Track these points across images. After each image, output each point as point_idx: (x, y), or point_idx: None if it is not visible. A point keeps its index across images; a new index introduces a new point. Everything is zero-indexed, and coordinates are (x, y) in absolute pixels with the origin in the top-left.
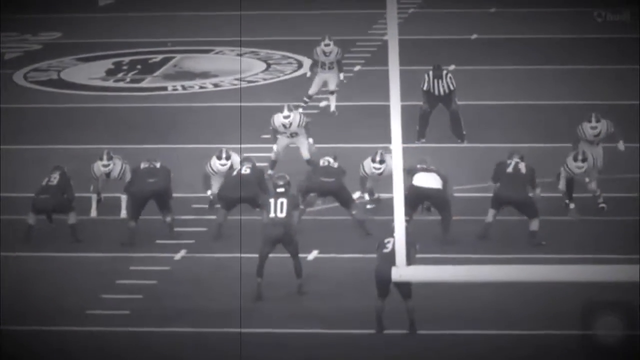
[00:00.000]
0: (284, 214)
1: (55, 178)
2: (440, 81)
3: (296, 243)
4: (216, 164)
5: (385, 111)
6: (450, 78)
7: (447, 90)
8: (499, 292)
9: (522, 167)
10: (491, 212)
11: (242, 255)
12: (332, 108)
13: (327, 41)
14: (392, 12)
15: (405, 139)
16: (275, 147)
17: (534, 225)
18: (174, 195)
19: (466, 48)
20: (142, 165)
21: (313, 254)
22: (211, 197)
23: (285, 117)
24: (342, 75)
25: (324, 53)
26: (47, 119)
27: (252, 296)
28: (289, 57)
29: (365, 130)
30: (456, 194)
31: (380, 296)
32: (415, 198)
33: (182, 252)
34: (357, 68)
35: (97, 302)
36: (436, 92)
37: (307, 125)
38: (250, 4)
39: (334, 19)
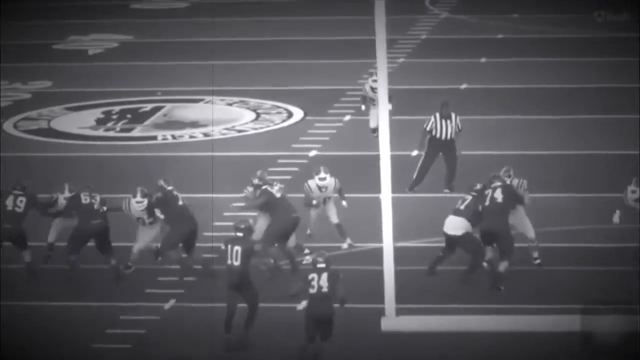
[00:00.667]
0: (238, 262)
1: (21, 203)
2: (448, 122)
3: (254, 292)
4: (132, 203)
5: (374, 161)
6: (457, 119)
7: (453, 134)
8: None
9: (499, 194)
10: (487, 249)
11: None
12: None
13: (375, 77)
14: (382, 61)
15: (395, 189)
16: (311, 219)
17: (503, 266)
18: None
19: (456, 97)
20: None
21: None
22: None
23: (322, 180)
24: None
25: (372, 90)
26: (36, 168)
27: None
28: (279, 107)
29: (355, 180)
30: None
31: (309, 340)
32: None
33: (172, 302)
34: (347, 118)
35: (87, 352)
36: (443, 136)
37: (341, 190)
38: (236, 54)
39: (324, 68)
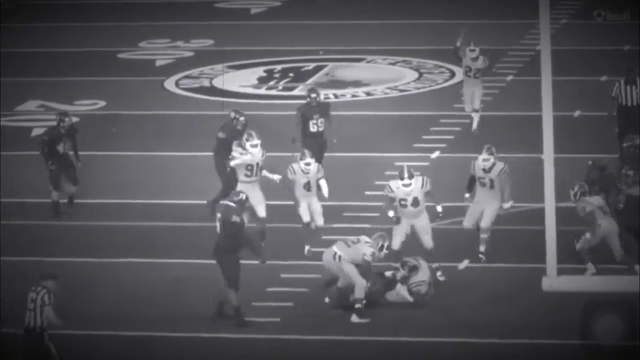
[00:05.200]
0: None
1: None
2: (634, 88)
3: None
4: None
5: (537, 121)
6: None
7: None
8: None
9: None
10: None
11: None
12: (474, 126)
13: (472, 46)
14: (545, 22)
15: (557, 149)
16: (396, 234)
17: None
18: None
19: (619, 59)
20: None
21: (464, 263)
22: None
23: (406, 186)
24: None
25: (471, 59)
26: (196, 126)
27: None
28: (441, 67)
29: (517, 141)
30: None
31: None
32: None
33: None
34: (509, 78)
35: (248, 310)
36: (628, 102)
37: (430, 191)
38: (400, 14)
39: (486, 28)
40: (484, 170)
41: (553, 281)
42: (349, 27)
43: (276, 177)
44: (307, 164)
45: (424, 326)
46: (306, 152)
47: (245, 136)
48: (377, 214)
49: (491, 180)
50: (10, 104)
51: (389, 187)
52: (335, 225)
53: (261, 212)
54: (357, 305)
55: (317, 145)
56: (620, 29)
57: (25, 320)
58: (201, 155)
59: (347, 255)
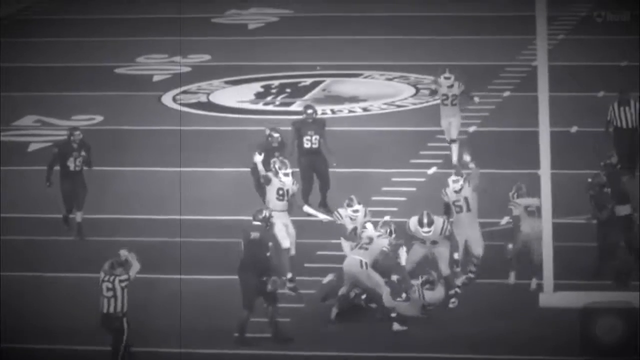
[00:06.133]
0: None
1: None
2: (628, 109)
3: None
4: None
5: (534, 137)
6: (638, 105)
7: (635, 122)
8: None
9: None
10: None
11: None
12: (454, 159)
13: (447, 73)
14: (542, 38)
15: (554, 165)
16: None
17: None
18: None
19: (616, 75)
20: None
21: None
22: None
23: (426, 232)
24: None
25: (447, 87)
26: (193, 141)
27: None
28: None
29: (514, 157)
30: None
31: None
32: None
33: (330, 276)
34: (506, 94)
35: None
36: (622, 124)
37: (452, 234)
38: (397, 30)
39: (483, 44)
40: (455, 191)
41: (550, 297)
42: (346, 43)
43: (323, 217)
44: (355, 211)
45: (421, 341)
46: (353, 197)
47: (278, 164)
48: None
49: (466, 200)
50: (7, 119)
51: (408, 226)
52: (332, 241)
53: (285, 243)
54: (393, 314)
55: (310, 168)
56: (618, 45)
57: (104, 306)
58: (198, 171)
59: (369, 258)
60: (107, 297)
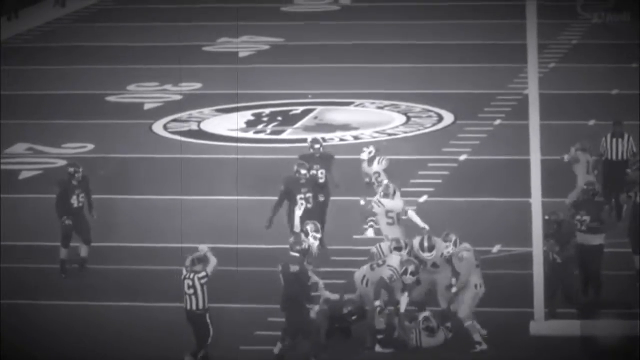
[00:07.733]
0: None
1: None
2: (621, 141)
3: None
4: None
5: (525, 165)
6: (631, 139)
7: (627, 155)
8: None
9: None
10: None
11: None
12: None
13: (370, 148)
14: (533, 66)
15: (545, 193)
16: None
17: None
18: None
19: (607, 102)
20: None
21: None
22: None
23: (428, 253)
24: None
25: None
26: (184, 170)
27: None
28: (429, 111)
29: (505, 185)
30: None
31: None
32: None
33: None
34: (497, 122)
35: (236, 355)
36: (614, 156)
37: (463, 257)
38: (388, 58)
39: (474, 72)
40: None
41: (541, 325)
42: (337, 71)
43: (334, 297)
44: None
45: None
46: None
47: (310, 225)
48: (365, 258)
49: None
50: None
51: (412, 244)
52: (321, 269)
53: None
54: (379, 336)
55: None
56: (608, 73)
57: (187, 303)
58: (189, 199)
59: (372, 278)
60: (189, 294)
